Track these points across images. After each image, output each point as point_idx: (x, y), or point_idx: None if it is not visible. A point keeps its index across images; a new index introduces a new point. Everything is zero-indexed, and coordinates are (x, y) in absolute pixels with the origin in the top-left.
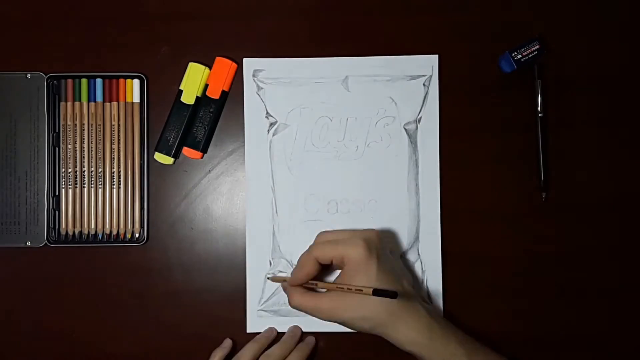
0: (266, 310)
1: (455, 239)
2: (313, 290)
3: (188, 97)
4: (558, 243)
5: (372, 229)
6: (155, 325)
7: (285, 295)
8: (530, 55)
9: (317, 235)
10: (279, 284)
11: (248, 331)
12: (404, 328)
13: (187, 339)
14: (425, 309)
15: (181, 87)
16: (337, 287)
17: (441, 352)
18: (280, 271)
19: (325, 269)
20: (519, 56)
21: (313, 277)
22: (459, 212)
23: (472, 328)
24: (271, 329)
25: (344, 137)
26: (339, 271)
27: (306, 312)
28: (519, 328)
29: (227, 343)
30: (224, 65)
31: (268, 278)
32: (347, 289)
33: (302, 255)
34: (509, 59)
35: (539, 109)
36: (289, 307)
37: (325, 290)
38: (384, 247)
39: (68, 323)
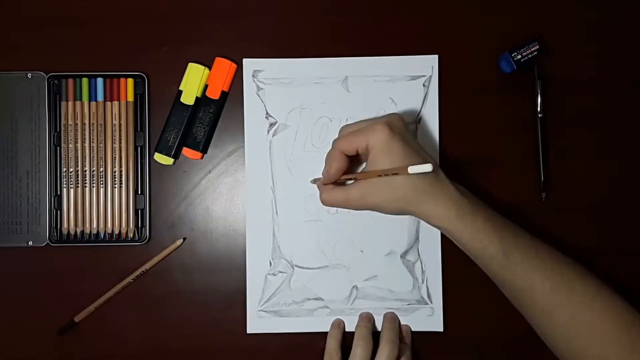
0: (266, 310)
1: None
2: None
3: (188, 98)
4: (558, 243)
5: (393, 113)
6: (156, 325)
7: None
8: (529, 56)
9: (340, 130)
10: (280, 283)
11: (248, 332)
12: (432, 205)
13: (187, 339)
14: (452, 185)
15: (181, 88)
16: (369, 174)
17: (469, 227)
18: (281, 271)
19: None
20: (519, 56)
21: (344, 171)
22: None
23: (472, 328)
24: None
25: None
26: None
27: (337, 205)
28: (520, 328)
29: (340, 323)
30: (223, 66)
31: (311, 182)
32: (384, 174)
33: (328, 152)
34: (509, 60)
35: (538, 109)
36: (287, 308)
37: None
38: (407, 128)
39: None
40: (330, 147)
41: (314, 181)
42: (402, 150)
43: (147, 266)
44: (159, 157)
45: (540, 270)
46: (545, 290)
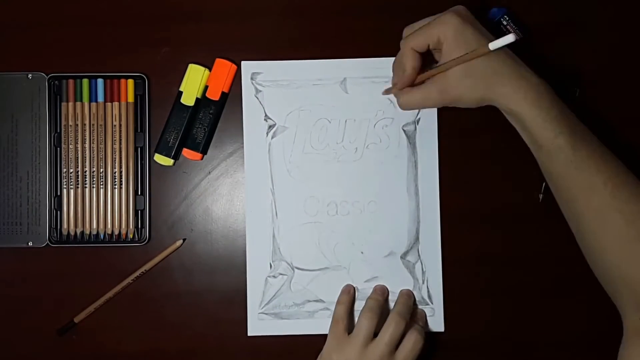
0: (267, 313)
1: (455, 240)
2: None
3: (188, 99)
4: (558, 243)
5: (458, 5)
6: (156, 326)
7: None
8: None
9: (405, 30)
10: (280, 285)
11: (249, 334)
12: (511, 87)
13: (187, 340)
14: (534, 74)
15: (181, 89)
16: (450, 64)
17: (544, 114)
18: (281, 274)
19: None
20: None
21: (418, 70)
22: (458, 213)
23: (472, 328)
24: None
25: (343, 139)
26: None
27: (417, 106)
28: (520, 328)
29: (351, 288)
30: (223, 67)
31: (383, 93)
32: (466, 60)
33: (397, 55)
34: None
35: None
36: (288, 310)
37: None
38: (473, 17)
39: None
40: (399, 50)
41: (386, 91)
42: (477, 35)
43: (146, 267)
44: (159, 158)
45: (604, 171)
46: (607, 190)
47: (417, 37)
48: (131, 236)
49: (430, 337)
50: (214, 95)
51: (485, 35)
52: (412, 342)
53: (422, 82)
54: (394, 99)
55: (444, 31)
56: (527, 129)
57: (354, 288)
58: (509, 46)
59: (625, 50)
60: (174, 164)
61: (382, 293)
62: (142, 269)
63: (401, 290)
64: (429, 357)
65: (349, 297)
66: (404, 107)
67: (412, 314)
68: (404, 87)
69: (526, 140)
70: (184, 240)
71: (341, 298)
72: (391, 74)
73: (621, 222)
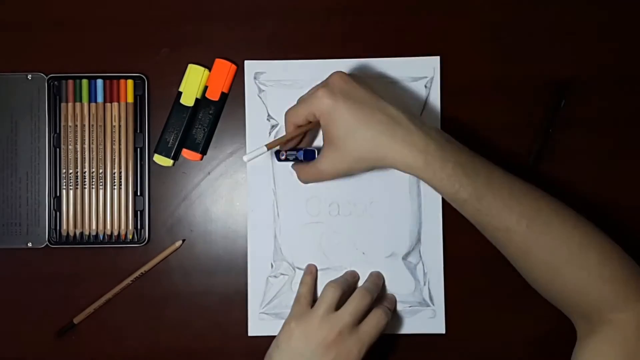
0: (268, 313)
1: (457, 241)
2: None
3: (187, 99)
4: None
5: (335, 72)
6: (156, 326)
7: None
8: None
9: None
10: (281, 285)
11: (250, 334)
12: (398, 156)
13: (187, 341)
14: (420, 130)
15: (180, 89)
16: (287, 139)
17: (439, 174)
18: (282, 274)
19: None
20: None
21: (299, 138)
22: (460, 214)
23: (474, 330)
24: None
25: None
26: None
27: (315, 180)
28: (521, 329)
29: (313, 268)
30: (223, 67)
31: (265, 145)
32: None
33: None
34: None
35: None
36: (289, 310)
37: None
38: (349, 81)
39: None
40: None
41: (292, 167)
42: (350, 111)
43: (146, 268)
44: (159, 159)
45: (515, 209)
46: (522, 229)
47: (295, 112)
48: (130, 237)
49: (431, 339)
50: (213, 95)
51: (361, 105)
52: (377, 318)
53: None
54: (398, 99)
55: (317, 109)
56: (429, 185)
57: (316, 267)
58: None
59: (615, 60)
60: (173, 164)
61: (352, 276)
62: (142, 270)
63: (371, 272)
64: (428, 359)
65: (312, 277)
66: (304, 182)
67: (383, 297)
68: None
69: None
70: (184, 240)
71: (304, 278)
72: (394, 75)
73: (545, 254)
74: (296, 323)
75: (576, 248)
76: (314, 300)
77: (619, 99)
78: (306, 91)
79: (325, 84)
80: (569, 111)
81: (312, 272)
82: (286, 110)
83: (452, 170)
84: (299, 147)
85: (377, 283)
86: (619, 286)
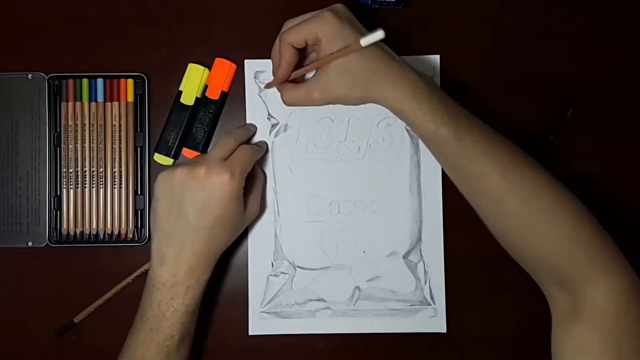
0: (268, 312)
1: (458, 240)
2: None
3: (187, 98)
4: None
5: (336, 3)
6: None
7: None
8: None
9: (285, 24)
10: (282, 284)
11: (250, 333)
12: (389, 85)
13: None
14: (409, 67)
15: (181, 88)
16: (325, 59)
17: (424, 107)
18: (283, 272)
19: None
20: None
21: (294, 66)
22: (461, 212)
23: (475, 329)
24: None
25: (346, 138)
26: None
27: (301, 104)
28: (523, 329)
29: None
30: (223, 66)
31: (265, 87)
32: (339, 57)
33: (274, 47)
34: None
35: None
36: (289, 309)
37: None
38: (352, 14)
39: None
40: (276, 42)
41: (268, 85)
42: (354, 32)
43: (146, 267)
44: (159, 158)
45: (491, 155)
46: (496, 175)
47: (295, 32)
48: (131, 236)
49: (432, 338)
50: (213, 94)
51: (362, 33)
52: (241, 150)
53: (302, 79)
54: None
55: (322, 28)
56: (411, 124)
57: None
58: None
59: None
60: (173, 163)
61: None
62: (142, 269)
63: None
64: (431, 358)
65: (245, 132)
66: (287, 104)
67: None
68: (280, 82)
69: (415, 133)
70: None
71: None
72: None
73: (517, 204)
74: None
75: (549, 203)
76: None
77: (623, 101)
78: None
79: (329, 9)
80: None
81: (249, 130)
82: (283, 30)
83: (437, 105)
84: None
85: (247, 129)
86: (593, 253)
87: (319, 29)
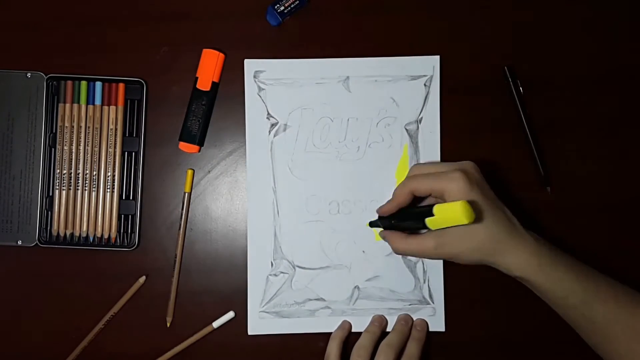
0: (268, 311)
1: None
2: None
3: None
4: (561, 242)
5: (469, 162)
6: (156, 326)
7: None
8: (292, 6)
9: (411, 169)
10: (281, 284)
11: (250, 333)
12: (512, 256)
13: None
14: (531, 236)
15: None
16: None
17: (550, 278)
18: (282, 272)
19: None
20: (282, 8)
21: (404, 207)
22: None
23: (474, 328)
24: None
25: (345, 138)
26: None
27: (412, 254)
28: (523, 329)
29: (346, 325)
30: (211, 57)
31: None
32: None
33: (397, 188)
34: (273, 13)
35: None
36: (289, 308)
37: (425, 231)
38: (482, 177)
39: (62, 322)
40: (400, 183)
41: (382, 234)
42: (479, 202)
43: (115, 310)
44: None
45: (620, 320)
46: (625, 339)
47: (422, 183)
48: (120, 241)
49: (430, 337)
50: (204, 86)
51: (488, 199)
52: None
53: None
54: (396, 98)
55: (450, 188)
56: (536, 290)
57: (350, 325)
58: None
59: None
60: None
61: (379, 325)
62: (111, 313)
63: (398, 316)
64: (429, 357)
65: (344, 332)
66: (398, 253)
67: (416, 328)
68: (385, 214)
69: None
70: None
71: (335, 333)
72: (393, 74)
73: None
74: None
75: None
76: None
77: (622, 100)
78: (306, 89)
79: (461, 169)
80: (572, 112)
81: (344, 328)
82: (408, 175)
83: (563, 274)
84: None
85: (402, 330)
86: None
87: (447, 188)
